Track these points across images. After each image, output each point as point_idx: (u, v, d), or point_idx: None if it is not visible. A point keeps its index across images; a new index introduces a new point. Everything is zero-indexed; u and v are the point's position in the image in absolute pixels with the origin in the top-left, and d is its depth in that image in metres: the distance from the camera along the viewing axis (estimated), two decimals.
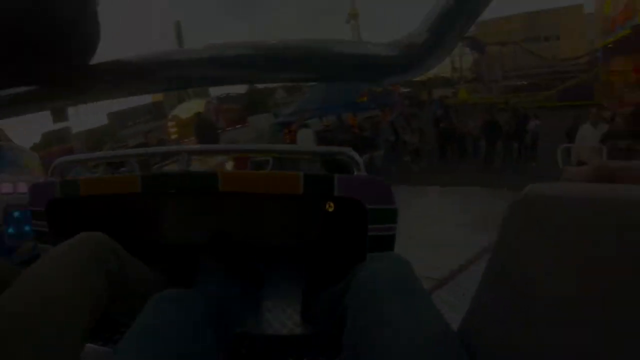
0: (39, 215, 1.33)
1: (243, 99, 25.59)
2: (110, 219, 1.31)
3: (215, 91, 28.32)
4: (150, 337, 0.77)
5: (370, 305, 0.75)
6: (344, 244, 1.21)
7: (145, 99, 32.69)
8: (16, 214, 2.35)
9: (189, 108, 22.99)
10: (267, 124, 18.84)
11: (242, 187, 1.22)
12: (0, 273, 0.92)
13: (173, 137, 21.70)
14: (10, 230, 2.34)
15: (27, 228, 2.30)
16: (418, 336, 0.64)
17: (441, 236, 4.53)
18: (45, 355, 0.73)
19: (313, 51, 0.66)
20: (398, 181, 8.89)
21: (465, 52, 26.17)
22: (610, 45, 16.81)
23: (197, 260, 1.28)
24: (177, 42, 30.79)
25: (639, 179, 0.49)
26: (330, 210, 1.22)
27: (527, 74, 23.95)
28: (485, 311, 0.59)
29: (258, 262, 1.33)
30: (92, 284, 0.89)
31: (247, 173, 1.25)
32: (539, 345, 0.48)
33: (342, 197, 1.16)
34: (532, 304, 0.49)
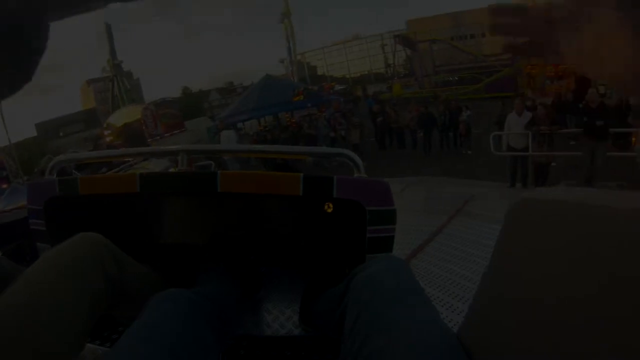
0: (37, 213, 1.32)
1: (178, 102, 25.07)
2: (108, 218, 1.31)
3: (150, 97, 27.71)
4: (148, 337, 0.77)
5: (370, 310, 0.76)
6: (343, 246, 1.22)
7: (75, 107, 31.31)
8: None
9: (125, 114, 22.26)
10: (204, 127, 18.59)
11: (241, 188, 1.22)
12: (3, 271, 0.95)
13: (109, 144, 20.88)
14: None
15: None
16: (417, 341, 0.64)
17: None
18: (44, 356, 0.74)
19: None
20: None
21: (398, 49, 27.06)
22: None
23: (197, 261, 1.29)
24: (109, 49, 29.66)
25: None
26: (329, 211, 1.20)
27: (456, 69, 25.12)
28: (484, 314, 0.60)
29: (257, 263, 1.35)
30: (91, 285, 0.89)
31: (247, 173, 1.24)
32: (537, 347, 0.48)
33: (341, 199, 1.17)
34: (530, 307, 0.50)
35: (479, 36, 31.62)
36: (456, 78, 24.45)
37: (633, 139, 6.88)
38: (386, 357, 0.64)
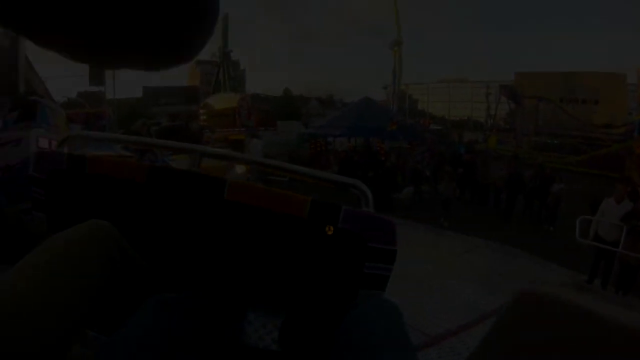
0: (39, 182, 1.31)
1: (276, 101, 25.87)
2: (109, 202, 1.28)
3: (251, 90, 28.89)
4: (143, 343, 0.79)
5: (361, 353, 0.77)
6: (338, 276, 1.21)
7: (181, 80, 33.34)
8: None
9: (223, 99, 23.33)
10: (295, 132, 19.01)
11: (248, 200, 1.21)
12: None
13: (202, 124, 21.93)
14: None
15: None
16: None
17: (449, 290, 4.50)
18: (44, 336, 0.75)
19: None
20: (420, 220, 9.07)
21: (502, 100, 26.09)
22: None
23: (192, 262, 1.28)
24: (222, 37, 31.35)
25: None
26: (330, 233, 1.18)
27: (560, 134, 23.82)
28: None
29: (250, 274, 1.31)
30: (95, 270, 0.90)
31: (257, 187, 1.26)
32: None
33: (345, 229, 1.16)
34: None
35: (591, 103, 29.86)
36: (556, 142, 23.20)
37: None
38: None
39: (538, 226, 10.59)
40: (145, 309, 0.88)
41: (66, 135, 1.46)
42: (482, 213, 11.53)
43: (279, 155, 14.28)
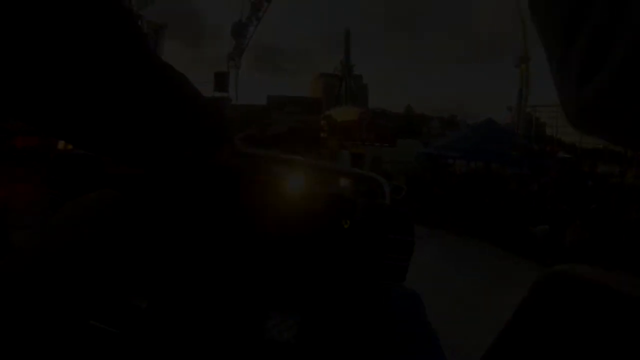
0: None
1: (398, 118, 26.21)
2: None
3: (373, 104, 29.69)
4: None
5: (389, 343, 0.79)
6: (357, 269, 1.20)
7: (305, 92, 35.23)
8: None
9: (344, 112, 24.39)
10: (415, 151, 19.12)
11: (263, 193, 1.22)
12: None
13: (322, 135, 23.04)
14: None
15: None
16: None
17: None
18: (45, 316, 0.70)
19: None
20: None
21: None
22: None
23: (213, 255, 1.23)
24: (344, 51, 32.80)
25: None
26: (346, 227, 1.18)
27: None
28: None
29: (271, 270, 1.28)
30: (107, 242, 0.86)
31: (273, 179, 1.27)
32: None
33: (362, 222, 1.18)
34: None
35: None
36: None
37: None
38: None
39: None
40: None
41: None
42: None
43: (398, 173, 14.58)
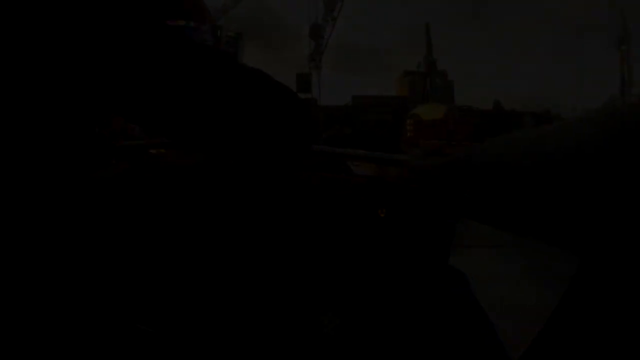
0: None
1: (486, 115, 25.38)
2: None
3: (461, 101, 28.82)
4: None
5: (440, 323, 0.79)
6: (399, 255, 1.14)
7: (389, 90, 35.10)
8: None
9: (431, 110, 24.16)
10: None
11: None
12: None
13: (409, 134, 23.05)
14: None
15: None
16: None
17: None
18: None
19: None
20: None
21: None
22: None
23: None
24: (426, 46, 32.35)
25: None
26: (382, 216, 1.14)
27: None
28: (547, 353, 0.60)
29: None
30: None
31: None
32: None
33: (401, 207, 1.15)
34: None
35: None
36: None
37: None
38: None
39: None
40: None
41: None
42: None
43: None
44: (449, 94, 32.03)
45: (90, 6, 0.54)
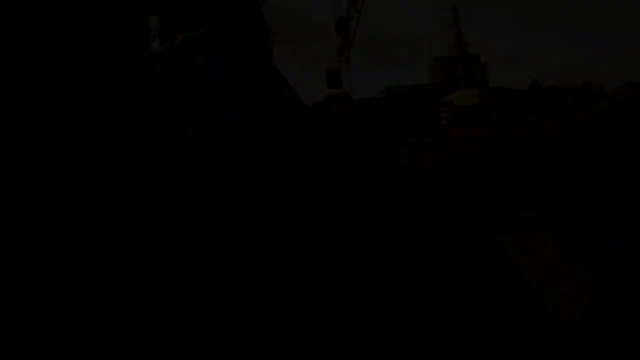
0: None
1: (522, 95, 24.65)
2: None
3: (496, 83, 28.27)
4: None
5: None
6: (433, 241, 1.15)
7: (423, 78, 34.86)
8: None
9: (464, 96, 23.81)
10: None
11: None
12: None
13: (443, 122, 22.84)
14: None
15: None
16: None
17: None
18: None
19: None
20: None
21: None
22: None
23: None
24: (455, 29, 31.82)
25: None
26: (414, 204, 1.29)
27: None
28: (598, 319, 0.75)
29: None
30: None
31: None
32: None
33: (436, 193, 1.27)
34: None
35: None
36: None
37: None
38: None
39: None
40: None
41: None
42: None
43: None
44: (483, 78, 31.32)
45: None
